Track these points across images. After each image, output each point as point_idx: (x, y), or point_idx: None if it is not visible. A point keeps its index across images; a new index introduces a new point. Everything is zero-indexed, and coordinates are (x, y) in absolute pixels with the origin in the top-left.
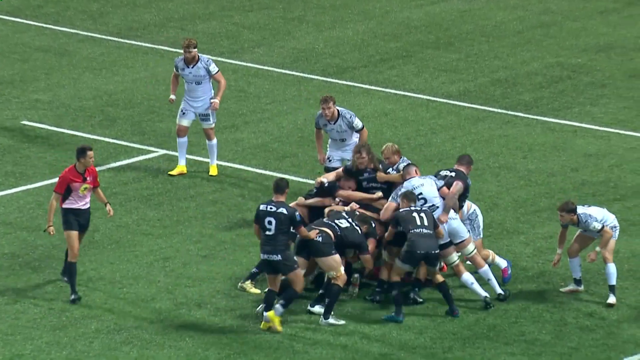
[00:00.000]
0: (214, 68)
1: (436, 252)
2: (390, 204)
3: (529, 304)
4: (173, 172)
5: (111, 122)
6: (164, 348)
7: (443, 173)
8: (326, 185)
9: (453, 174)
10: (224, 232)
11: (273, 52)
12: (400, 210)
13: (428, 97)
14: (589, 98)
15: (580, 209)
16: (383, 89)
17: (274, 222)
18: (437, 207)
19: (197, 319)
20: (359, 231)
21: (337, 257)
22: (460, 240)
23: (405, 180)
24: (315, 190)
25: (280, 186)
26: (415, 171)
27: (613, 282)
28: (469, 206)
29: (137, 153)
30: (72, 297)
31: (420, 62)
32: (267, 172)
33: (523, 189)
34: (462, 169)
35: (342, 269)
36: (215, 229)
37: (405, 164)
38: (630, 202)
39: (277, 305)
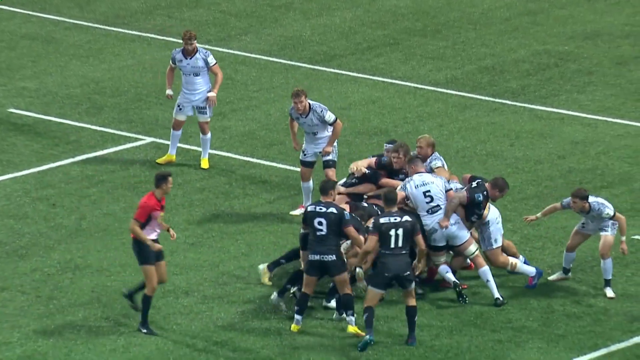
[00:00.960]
0: (212, 60)
1: (406, 274)
2: (399, 193)
3: (516, 292)
4: (161, 160)
5: (98, 109)
6: (151, 336)
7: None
8: (368, 173)
9: (474, 183)
10: (211, 220)
11: (260, 39)
12: (381, 219)
13: (415, 85)
14: (576, 85)
15: (591, 198)
16: (370, 77)
17: (324, 222)
18: (441, 207)
19: (184, 306)
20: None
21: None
22: (460, 244)
23: (416, 173)
24: (355, 179)
25: (326, 187)
26: (431, 168)
27: (609, 276)
28: (485, 216)
29: (125, 141)
30: (144, 330)
31: (407, 49)
32: (254, 160)
33: (510, 176)
34: (488, 186)
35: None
36: (202, 217)
37: (436, 160)
38: (617, 189)
39: (350, 318)
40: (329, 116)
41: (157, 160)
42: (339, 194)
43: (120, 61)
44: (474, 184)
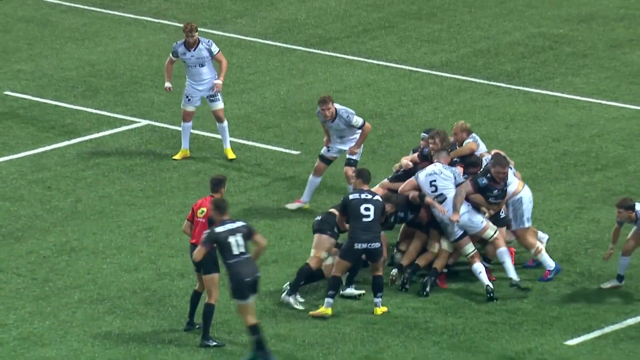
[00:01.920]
0: (215, 48)
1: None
2: (411, 180)
3: (505, 274)
4: (177, 157)
5: (94, 92)
6: (147, 318)
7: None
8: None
9: (486, 163)
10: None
11: (256, 22)
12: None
13: (410, 68)
14: (571, 68)
15: (639, 206)
16: (366, 60)
17: (372, 208)
18: (446, 197)
19: (180, 289)
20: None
21: (329, 238)
22: (477, 231)
23: (436, 161)
24: (401, 172)
25: (367, 176)
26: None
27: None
28: (517, 191)
29: (120, 124)
30: (205, 342)
31: (402, 32)
32: (250, 143)
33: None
34: (492, 170)
35: (325, 254)
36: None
37: (472, 140)
38: (611, 172)
39: (379, 300)
40: (356, 120)
41: (173, 157)
42: (382, 186)
43: (116, 44)
44: (480, 171)
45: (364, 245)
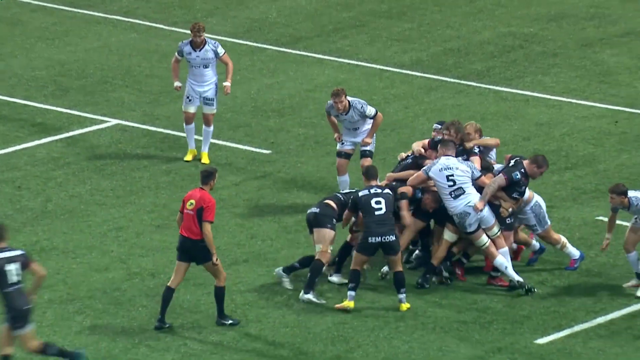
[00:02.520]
0: (221, 50)
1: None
2: (420, 174)
3: (480, 273)
4: (187, 158)
5: (64, 92)
6: (117, 318)
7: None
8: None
9: (512, 162)
10: (178, 202)
11: (226, 21)
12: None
13: (381, 67)
14: (541, 67)
15: (632, 192)
16: (336, 59)
17: (383, 201)
18: (464, 190)
19: (150, 288)
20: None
21: (330, 232)
22: (486, 226)
23: (444, 155)
24: (410, 159)
25: (374, 173)
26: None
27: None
28: (531, 197)
29: (90, 123)
30: (228, 322)
31: (373, 31)
32: (221, 142)
33: None
34: (526, 162)
35: (330, 247)
36: (168, 199)
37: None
38: (581, 170)
39: (403, 297)
40: (370, 111)
41: (184, 159)
42: (387, 179)
43: (86, 43)
44: (512, 162)
45: (379, 239)
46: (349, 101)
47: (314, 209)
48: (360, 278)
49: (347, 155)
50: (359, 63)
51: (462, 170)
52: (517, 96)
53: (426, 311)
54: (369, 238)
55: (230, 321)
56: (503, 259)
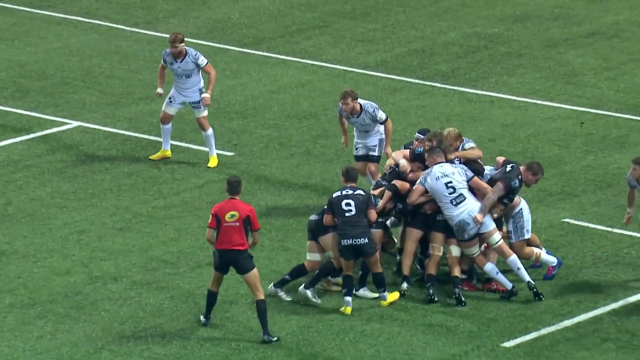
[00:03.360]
0: (202, 61)
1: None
2: (418, 187)
3: (447, 277)
4: (154, 157)
5: (24, 93)
6: (79, 322)
7: (506, 166)
8: (397, 169)
9: (509, 167)
10: (140, 205)
11: (188, 22)
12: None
13: (345, 68)
14: (506, 68)
15: None
16: (300, 60)
17: (353, 202)
18: (465, 197)
19: (112, 292)
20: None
21: (335, 235)
22: (485, 232)
23: (436, 164)
24: (390, 171)
25: (354, 175)
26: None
27: None
28: (516, 203)
29: (51, 125)
30: (269, 338)
31: (336, 32)
32: (183, 144)
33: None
34: (522, 169)
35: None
36: (130, 202)
37: (469, 144)
38: (547, 172)
39: (384, 294)
40: (381, 115)
41: (150, 157)
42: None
43: (46, 44)
44: (508, 168)
45: (350, 241)
46: (360, 104)
47: (315, 217)
48: (353, 282)
49: (363, 158)
50: (323, 64)
51: (458, 173)
52: (482, 97)
53: (392, 314)
54: (342, 241)
55: (275, 338)
56: (493, 265)
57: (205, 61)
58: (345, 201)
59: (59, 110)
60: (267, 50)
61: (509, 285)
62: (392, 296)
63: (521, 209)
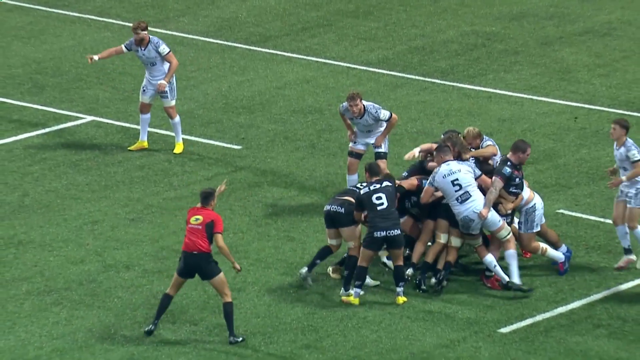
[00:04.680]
0: (163, 49)
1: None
2: (427, 188)
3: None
4: (133, 148)
5: (40, 89)
6: (93, 308)
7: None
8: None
9: (498, 160)
10: (151, 196)
11: (197, 21)
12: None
13: (348, 65)
14: (503, 65)
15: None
16: (305, 57)
17: (384, 195)
18: (470, 194)
19: (125, 280)
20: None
21: (358, 228)
22: (494, 229)
23: (444, 162)
24: (417, 163)
25: (376, 170)
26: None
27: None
28: (530, 198)
29: (66, 119)
30: (234, 339)
31: (340, 30)
32: (193, 138)
33: None
34: (509, 154)
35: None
36: (142, 193)
37: (487, 142)
38: (542, 165)
39: (401, 290)
40: (384, 114)
41: (129, 148)
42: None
43: (61, 42)
44: (497, 162)
45: (384, 233)
46: (364, 105)
47: (337, 208)
48: (366, 275)
49: (358, 155)
50: (327, 61)
51: (465, 171)
52: (480, 93)
53: (393, 302)
54: (375, 233)
55: (240, 338)
56: (492, 258)
57: (167, 50)
58: (375, 195)
59: (73, 105)
60: (273, 47)
61: (505, 278)
62: (403, 299)
63: (535, 204)
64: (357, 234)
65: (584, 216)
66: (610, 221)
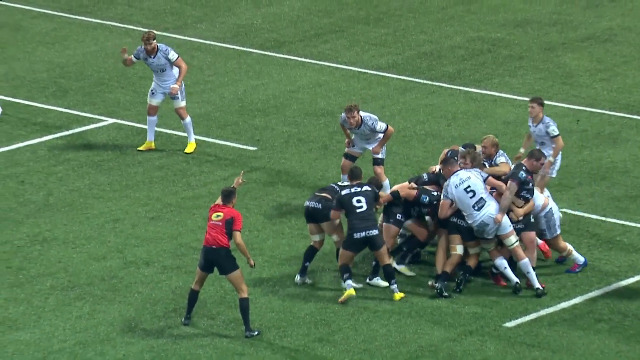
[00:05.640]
0: (172, 55)
1: (374, 233)
2: (444, 202)
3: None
4: (142, 148)
5: (64, 92)
6: (115, 303)
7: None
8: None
9: (513, 166)
10: (170, 196)
11: (215, 27)
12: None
13: (359, 69)
14: (508, 70)
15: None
16: (317, 62)
17: (363, 199)
18: (485, 200)
19: (145, 276)
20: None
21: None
22: (503, 233)
23: (451, 174)
24: (426, 178)
25: (357, 173)
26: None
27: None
28: (546, 203)
29: (88, 122)
30: (250, 334)
31: (351, 36)
32: (210, 140)
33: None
34: (525, 161)
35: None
36: (161, 193)
37: (501, 157)
38: None
39: (395, 287)
40: (380, 126)
41: (138, 148)
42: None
43: (84, 47)
44: (513, 167)
45: (363, 234)
46: (361, 117)
47: (315, 204)
48: (350, 269)
49: (352, 158)
50: (339, 66)
51: (474, 177)
52: (485, 96)
53: (403, 297)
54: (354, 234)
55: (256, 332)
56: (503, 260)
57: (176, 56)
58: (356, 198)
59: (95, 108)
60: (287, 53)
61: (514, 280)
62: (399, 296)
63: (550, 208)
64: (337, 226)
65: (586, 215)
66: (611, 220)
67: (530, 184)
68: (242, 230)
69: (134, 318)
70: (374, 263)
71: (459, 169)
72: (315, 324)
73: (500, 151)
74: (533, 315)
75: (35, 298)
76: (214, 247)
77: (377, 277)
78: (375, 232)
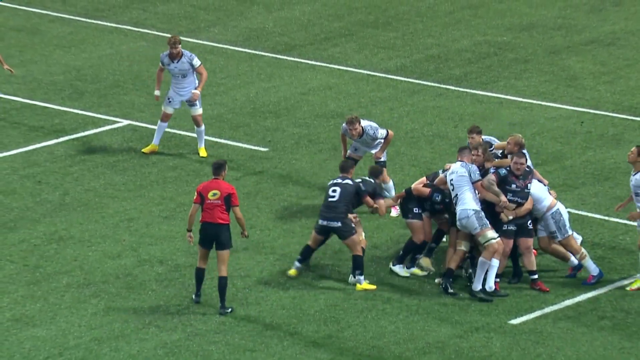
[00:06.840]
0: (196, 62)
1: (334, 225)
2: (441, 177)
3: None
4: (146, 150)
5: (80, 95)
6: (129, 300)
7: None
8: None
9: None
10: (184, 195)
11: (227, 31)
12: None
13: (368, 72)
14: (514, 72)
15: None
16: (327, 65)
17: (338, 190)
18: (458, 198)
19: (159, 274)
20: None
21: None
22: (474, 233)
23: (458, 160)
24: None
25: (347, 166)
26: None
27: None
28: (553, 204)
29: (104, 123)
30: (224, 311)
31: (361, 40)
32: (222, 141)
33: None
34: (511, 163)
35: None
36: (175, 192)
37: (521, 156)
38: (550, 166)
39: (359, 277)
40: (381, 133)
41: (142, 150)
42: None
43: (100, 51)
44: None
45: (325, 222)
46: (362, 127)
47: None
48: (310, 253)
49: (354, 161)
50: (348, 69)
51: (459, 174)
52: (492, 99)
53: (411, 295)
54: (318, 220)
55: (230, 309)
56: (497, 262)
57: (199, 62)
58: (332, 188)
59: (111, 110)
60: (298, 56)
61: (477, 286)
62: (368, 286)
63: (558, 209)
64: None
65: (590, 214)
66: (614, 219)
67: (514, 185)
68: (253, 229)
69: (148, 315)
70: (401, 252)
71: (463, 160)
72: (324, 320)
73: (524, 151)
74: (538, 313)
75: (51, 295)
76: (215, 223)
77: (401, 266)
78: (337, 224)
